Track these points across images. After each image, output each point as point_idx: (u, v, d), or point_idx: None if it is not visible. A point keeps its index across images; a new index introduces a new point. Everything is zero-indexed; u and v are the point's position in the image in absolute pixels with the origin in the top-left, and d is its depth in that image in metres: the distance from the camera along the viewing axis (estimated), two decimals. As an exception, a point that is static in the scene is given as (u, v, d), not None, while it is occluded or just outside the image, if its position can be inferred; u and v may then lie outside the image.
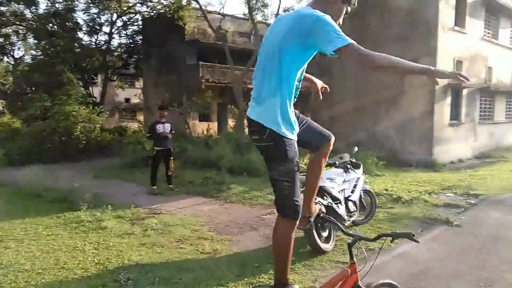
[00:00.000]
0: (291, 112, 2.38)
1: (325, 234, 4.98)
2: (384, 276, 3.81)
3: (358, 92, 15.00)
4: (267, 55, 2.34)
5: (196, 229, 6.16)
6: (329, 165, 6.07)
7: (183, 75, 21.73)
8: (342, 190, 5.51)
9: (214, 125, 23.21)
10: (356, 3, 2.48)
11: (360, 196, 6.01)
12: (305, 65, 2.41)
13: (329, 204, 5.00)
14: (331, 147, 2.83)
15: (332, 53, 2.14)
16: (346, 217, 5.29)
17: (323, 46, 2.18)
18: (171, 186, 9.33)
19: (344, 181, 5.60)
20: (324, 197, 5.09)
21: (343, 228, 2.68)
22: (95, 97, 23.67)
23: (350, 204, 5.54)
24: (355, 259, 2.58)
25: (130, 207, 7.33)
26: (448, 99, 13.79)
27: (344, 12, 2.44)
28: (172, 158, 9.31)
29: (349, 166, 5.81)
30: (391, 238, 2.40)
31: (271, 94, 2.31)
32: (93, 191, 8.91)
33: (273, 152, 2.34)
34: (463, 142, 15.11)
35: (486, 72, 16.22)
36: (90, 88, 23.82)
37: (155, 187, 9.11)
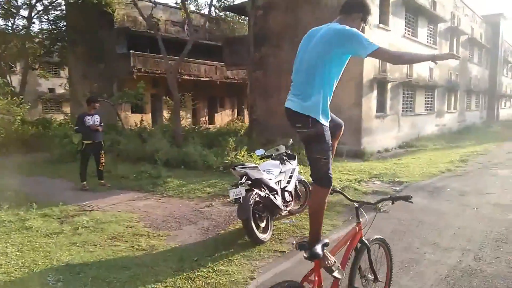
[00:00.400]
0: (328, 105, 2.93)
1: (262, 224, 5.07)
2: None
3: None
4: (309, 62, 2.88)
5: (131, 226, 5.94)
6: (266, 157, 6.18)
7: (113, 64, 20.71)
8: (278, 181, 5.63)
9: (148, 117, 22.49)
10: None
11: (296, 186, 6.19)
12: (343, 68, 2.94)
13: (267, 195, 5.09)
14: (342, 133, 3.47)
15: (366, 56, 2.71)
16: (282, 207, 5.42)
17: (359, 51, 2.71)
18: (102, 181, 8.90)
19: (280, 172, 5.73)
20: (262, 189, 5.16)
21: (347, 196, 3.49)
22: (14, 87, 21.74)
23: (286, 194, 5.68)
24: (361, 219, 3.37)
25: (58, 204, 6.88)
26: (375, 93, 14.66)
27: (360, 28, 2.99)
28: (102, 152, 8.87)
29: (285, 158, 5.95)
30: (390, 201, 3.30)
31: (316, 93, 2.81)
32: (15, 189, 8.26)
33: (315, 137, 2.84)
34: (389, 132, 16.19)
35: (407, 68, 17.45)
36: (8, 77, 21.79)
37: (85, 182, 8.63)
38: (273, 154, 6.08)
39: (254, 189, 5.05)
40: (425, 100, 20.17)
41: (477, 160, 12.15)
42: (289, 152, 6.30)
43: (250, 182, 5.09)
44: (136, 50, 20.70)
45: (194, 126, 18.78)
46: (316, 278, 2.66)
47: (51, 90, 34.66)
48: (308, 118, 2.82)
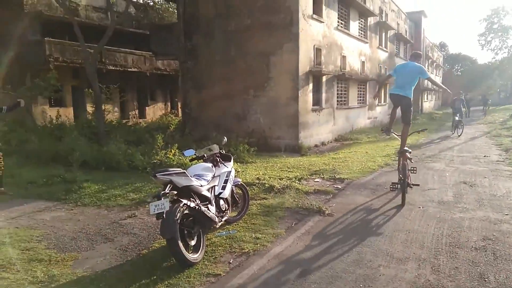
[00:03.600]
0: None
1: (193, 242, 4.21)
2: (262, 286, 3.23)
3: (226, 77, 14.52)
4: (406, 77, 6.94)
5: (29, 247, 4.77)
6: (197, 158, 5.30)
7: (25, 52, 18.25)
8: (212, 188, 4.80)
9: (69, 111, 20.32)
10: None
11: (232, 191, 5.40)
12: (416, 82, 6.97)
13: (197, 206, 4.22)
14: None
15: (426, 78, 7.15)
16: (217, 219, 4.60)
17: (424, 75, 6.95)
18: (2, 189, 7.42)
19: (214, 177, 4.89)
20: (191, 199, 4.30)
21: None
22: None
23: (221, 202, 4.88)
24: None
25: None
26: (311, 86, 14.32)
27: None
28: (1, 153, 7.37)
29: (218, 159, 5.11)
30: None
31: (409, 89, 6.89)
32: None
33: (407, 105, 6.95)
34: (325, 126, 16.02)
35: (341, 60, 17.43)
36: None
37: (-22, 191, 7.11)
38: (205, 155, 5.22)
39: (181, 199, 4.16)
40: (358, 93, 20.44)
41: (411, 153, 12.25)
42: (224, 152, 5.47)
43: (175, 191, 4.19)
44: (53, 37, 18.46)
45: (121, 121, 17.14)
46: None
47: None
48: (406, 97, 6.92)
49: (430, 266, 4.05)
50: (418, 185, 7.03)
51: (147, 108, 25.98)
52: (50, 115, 16.71)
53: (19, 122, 13.37)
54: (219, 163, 5.09)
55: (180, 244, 3.88)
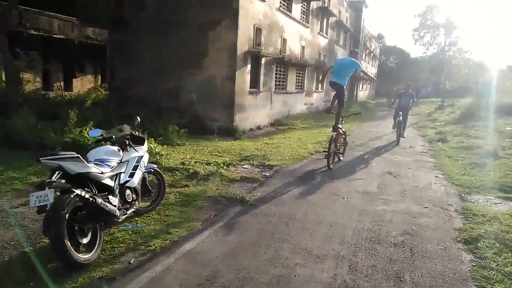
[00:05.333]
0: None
1: (85, 240, 3.60)
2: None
3: (159, 51, 13.56)
4: (343, 68, 8.51)
5: None
6: (105, 140, 4.63)
7: None
8: (116, 175, 4.18)
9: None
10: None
11: (145, 179, 4.82)
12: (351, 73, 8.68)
13: (92, 198, 3.60)
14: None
15: (360, 71, 8.77)
16: (118, 213, 4.01)
17: (358, 69, 8.48)
18: None
19: (120, 162, 4.27)
20: (87, 188, 3.66)
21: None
22: None
23: (127, 192, 4.28)
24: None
25: None
26: (249, 67, 13.85)
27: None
28: None
29: (127, 142, 4.47)
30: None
31: (345, 79, 8.47)
32: None
33: (342, 91, 8.52)
34: (261, 110, 15.71)
35: (281, 43, 17.12)
36: None
37: None
38: (114, 137, 4.56)
39: (74, 189, 3.52)
40: (296, 78, 20.37)
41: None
42: (136, 133, 4.83)
43: (66, 180, 3.54)
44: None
45: (38, 93, 15.46)
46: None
47: None
48: (341, 85, 8.40)
49: (348, 265, 3.83)
50: (340, 160, 8.99)
51: (74, 80, 23.95)
52: None
53: None
54: (128, 147, 4.46)
55: (66, 243, 3.26)
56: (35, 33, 18.86)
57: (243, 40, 13.16)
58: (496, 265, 3.90)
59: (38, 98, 13.86)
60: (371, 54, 51.34)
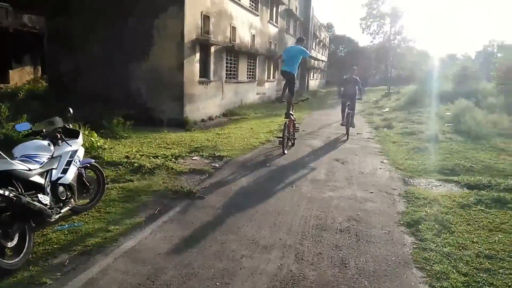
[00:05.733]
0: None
1: (11, 243, 3.30)
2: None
3: (104, 39, 12.87)
4: (292, 56, 8.85)
5: None
6: (34, 134, 4.26)
7: None
8: (47, 172, 3.86)
9: None
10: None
11: (81, 174, 4.52)
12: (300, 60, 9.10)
13: (16, 197, 3.29)
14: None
15: (307, 57, 9.37)
16: (49, 212, 3.71)
17: (306, 55, 9.06)
18: None
19: (51, 158, 3.95)
20: (11, 187, 3.34)
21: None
22: None
23: (60, 189, 3.97)
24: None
25: None
26: (198, 55, 13.52)
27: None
28: None
29: (59, 136, 4.14)
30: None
31: (294, 67, 8.80)
32: None
33: (292, 79, 8.89)
34: (213, 100, 15.46)
35: (231, 32, 16.88)
36: None
37: None
38: (44, 130, 4.21)
39: (-5, 189, 3.19)
40: (248, 68, 20.24)
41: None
42: (69, 126, 4.50)
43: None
44: None
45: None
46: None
47: None
48: (292, 73, 8.80)
49: (294, 254, 3.82)
50: (293, 144, 9.57)
51: (11, 71, 22.29)
52: None
53: None
54: (59, 141, 4.12)
55: (-14, 249, 2.96)
56: (-38, 19, 17.31)
57: (191, 28, 12.81)
58: (436, 246, 4.04)
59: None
60: (321, 43, 52.30)
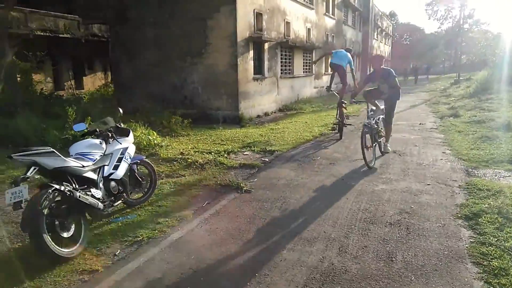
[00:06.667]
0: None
1: (68, 233, 3.58)
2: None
3: (160, 43, 13.49)
4: (340, 57, 9.87)
5: None
6: (90, 133, 4.59)
7: None
8: (99, 168, 4.14)
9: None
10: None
11: (133, 170, 4.78)
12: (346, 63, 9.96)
13: (70, 192, 3.56)
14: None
15: (350, 67, 9.99)
16: (101, 205, 3.98)
17: (351, 65, 9.92)
18: None
19: (103, 155, 4.23)
20: (65, 183, 3.62)
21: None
22: None
23: (112, 184, 4.24)
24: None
25: None
26: (251, 53, 13.64)
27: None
28: None
29: (110, 135, 4.42)
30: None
31: (343, 61, 9.81)
32: None
33: (342, 71, 9.99)
34: (268, 96, 15.52)
35: (284, 27, 16.79)
36: None
37: None
38: (97, 129, 4.52)
39: (52, 184, 3.50)
40: (304, 62, 20.02)
41: (349, 122, 12.10)
42: (120, 125, 4.78)
43: (43, 175, 3.53)
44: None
45: (43, 93, 15.61)
46: None
47: None
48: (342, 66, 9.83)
49: (338, 247, 3.71)
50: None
51: (84, 78, 24.20)
52: None
53: None
54: (111, 139, 4.40)
55: (46, 238, 3.25)
56: (41, 34, 19.06)
57: (244, 26, 12.95)
58: (496, 241, 3.71)
59: (46, 98, 14.00)
60: (383, 33, 50.14)
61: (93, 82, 24.44)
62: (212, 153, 7.69)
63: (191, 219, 4.51)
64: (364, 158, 6.38)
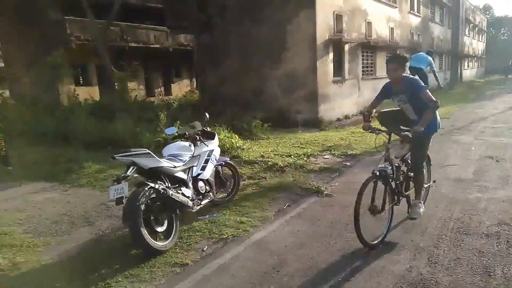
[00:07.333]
0: None
1: (161, 228, 3.87)
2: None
3: (242, 49, 13.92)
4: (420, 60, 10.48)
5: (7, 231, 4.62)
6: (180, 136, 4.92)
7: (47, 32, 18.38)
8: (189, 169, 4.42)
9: (95, 90, 20.47)
10: None
11: (218, 171, 5.02)
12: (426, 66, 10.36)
13: (164, 190, 3.85)
14: None
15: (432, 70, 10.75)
16: (191, 203, 4.23)
17: (431, 67, 10.61)
18: (10, 168, 7.40)
19: (192, 157, 4.51)
20: (159, 182, 3.93)
21: None
22: None
23: (200, 184, 4.49)
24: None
25: None
26: (331, 55, 13.47)
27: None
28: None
29: (198, 138, 4.70)
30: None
31: (422, 64, 10.31)
32: None
33: (422, 74, 10.19)
34: (348, 98, 15.18)
35: (366, 27, 16.29)
36: None
37: (-19, 173, 7.12)
38: (187, 133, 4.83)
39: (148, 182, 3.82)
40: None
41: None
42: (207, 129, 5.05)
43: (141, 174, 3.87)
44: (77, 15, 18.37)
45: (136, 99, 17.00)
46: None
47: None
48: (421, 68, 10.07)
49: (427, 257, 3.52)
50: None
51: (172, 85, 25.88)
52: (77, 94, 16.60)
53: (41, 101, 13.54)
54: (198, 142, 4.69)
55: (143, 232, 3.56)
56: (135, 45, 20.83)
57: (323, 29, 12.85)
58: None
59: (140, 104, 15.25)
60: (476, 28, 46.11)
61: (180, 88, 26.02)
62: (292, 156, 7.74)
63: (273, 220, 4.60)
64: (358, 231, 3.60)
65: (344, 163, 7.25)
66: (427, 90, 4.05)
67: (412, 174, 4.32)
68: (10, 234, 4.56)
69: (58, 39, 17.98)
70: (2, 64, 21.27)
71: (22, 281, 3.47)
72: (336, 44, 13.74)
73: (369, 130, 4.32)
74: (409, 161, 4.35)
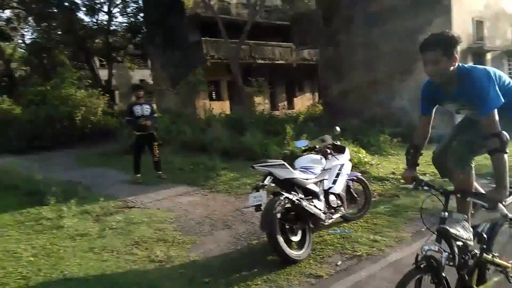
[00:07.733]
0: None
1: (296, 238, 4.01)
2: None
3: (369, 62, 13.62)
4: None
5: (161, 228, 5.32)
6: (310, 149, 5.05)
7: (187, 53, 20.71)
8: (320, 181, 4.49)
9: (226, 104, 22.25)
10: None
11: (349, 186, 4.98)
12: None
13: (298, 201, 3.99)
14: None
15: None
16: (323, 216, 4.28)
17: None
18: (160, 173, 8.51)
19: (323, 170, 4.58)
20: (293, 192, 4.09)
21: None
22: (104, 80, 23.08)
23: (331, 198, 4.52)
24: None
25: (99, 199, 6.58)
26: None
27: None
28: (156, 143, 8.43)
29: (329, 151, 4.75)
30: None
31: None
32: (75, 181, 8.30)
33: None
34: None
35: (512, 33, 14.44)
36: (97, 71, 23.26)
37: (139, 175, 8.33)
38: (317, 146, 4.93)
39: (283, 192, 4.01)
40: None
41: None
42: (337, 143, 5.07)
43: (276, 184, 4.09)
44: (209, 36, 20.40)
45: (263, 113, 17.86)
46: None
47: (141, 81, 36.42)
48: None
49: None
50: None
51: (295, 99, 26.57)
52: (212, 108, 18.24)
53: (175, 113, 15.26)
54: (329, 155, 4.73)
55: (280, 239, 3.74)
56: (262, 62, 22.02)
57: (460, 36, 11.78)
58: None
59: (266, 117, 16.04)
60: None
61: (302, 102, 26.54)
62: (427, 175, 7.23)
63: (410, 242, 4.37)
64: None
65: (491, 184, 6.48)
66: (495, 111, 2.43)
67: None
68: (164, 230, 5.23)
69: (196, 59, 20.10)
70: (151, 82, 24.71)
71: (176, 273, 3.94)
72: (476, 53, 12.50)
73: (413, 185, 2.73)
74: (484, 235, 2.70)
